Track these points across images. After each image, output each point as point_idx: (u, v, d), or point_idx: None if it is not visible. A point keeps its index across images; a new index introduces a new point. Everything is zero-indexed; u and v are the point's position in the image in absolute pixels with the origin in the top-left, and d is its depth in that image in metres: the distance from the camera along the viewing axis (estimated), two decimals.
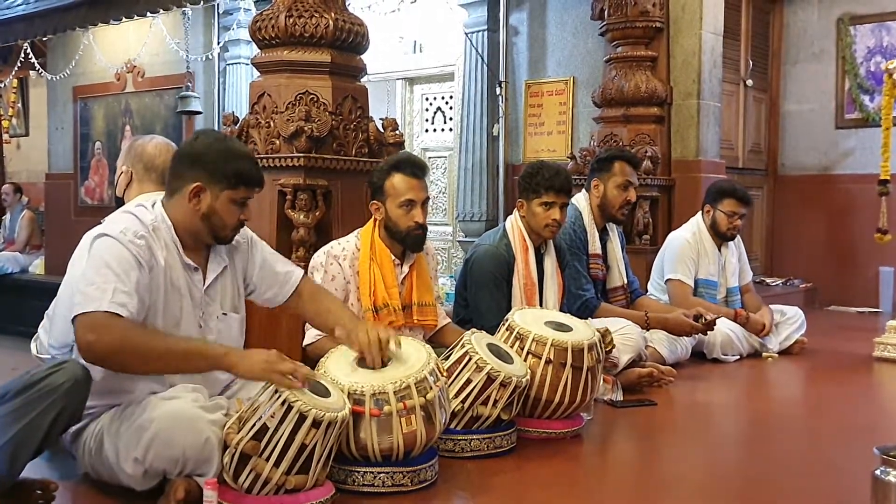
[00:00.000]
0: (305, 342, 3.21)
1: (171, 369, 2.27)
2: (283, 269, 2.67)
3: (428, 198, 3.30)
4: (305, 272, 3.34)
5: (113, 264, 2.21)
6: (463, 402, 2.75)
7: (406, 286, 3.33)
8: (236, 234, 2.47)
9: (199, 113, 8.31)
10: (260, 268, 2.62)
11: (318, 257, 3.30)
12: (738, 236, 5.09)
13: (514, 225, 3.79)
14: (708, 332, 4.33)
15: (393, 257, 3.28)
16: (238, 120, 4.32)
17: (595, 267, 4.27)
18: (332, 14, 4.20)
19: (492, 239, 3.80)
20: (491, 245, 3.74)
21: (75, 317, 2.17)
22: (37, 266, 9.45)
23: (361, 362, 2.51)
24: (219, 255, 2.50)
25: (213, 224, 2.38)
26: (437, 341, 3.38)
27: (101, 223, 2.73)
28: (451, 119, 8.45)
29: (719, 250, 4.89)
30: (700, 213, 4.94)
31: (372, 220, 3.32)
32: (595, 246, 4.29)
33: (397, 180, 3.23)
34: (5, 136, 11.64)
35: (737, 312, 4.75)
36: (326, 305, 2.71)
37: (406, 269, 3.33)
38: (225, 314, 2.51)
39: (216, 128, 8.21)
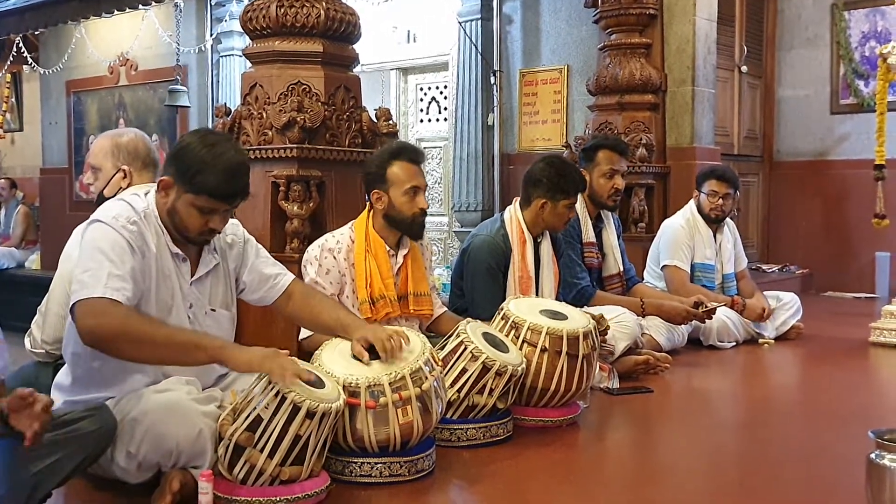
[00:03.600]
0: (301, 336, 3.20)
1: (168, 359, 2.26)
2: (272, 271, 2.64)
3: (426, 184, 3.32)
4: (299, 266, 3.35)
5: (106, 249, 2.20)
6: (459, 391, 2.76)
7: (401, 276, 3.32)
8: (207, 238, 2.41)
9: (187, 107, 8.28)
10: (251, 268, 2.60)
11: (312, 251, 3.29)
12: (733, 223, 5.10)
13: (512, 217, 3.78)
14: (706, 320, 4.33)
15: (387, 248, 3.28)
16: (230, 111, 4.31)
17: (590, 255, 4.27)
18: (324, 3, 4.17)
19: (489, 229, 3.79)
20: (488, 235, 3.74)
21: (74, 304, 2.15)
22: (33, 261, 9.44)
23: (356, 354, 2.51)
24: (211, 252, 2.49)
25: (175, 221, 2.35)
26: (434, 330, 3.38)
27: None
28: (445, 109, 8.43)
29: (714, 235, 4.89)
30: (692, 199, 4.96)
31: (366, 211, 3.31)
32: (588, 235, 4.28)
33: (400, 168, 3.23)
34: None
35: (733, 300, 4.76)
36: (319, 304, 2.69)
37: (401, 259, 3.32)
38: (214, 310, 2.50)
39: (210, 120, 8.19)
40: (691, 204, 4.94)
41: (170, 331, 2.23)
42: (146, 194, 2.41)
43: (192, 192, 2.30)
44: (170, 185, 2.33)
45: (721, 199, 4.82)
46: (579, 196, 4.26)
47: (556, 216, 3.74)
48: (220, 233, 2.43)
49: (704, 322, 4.39)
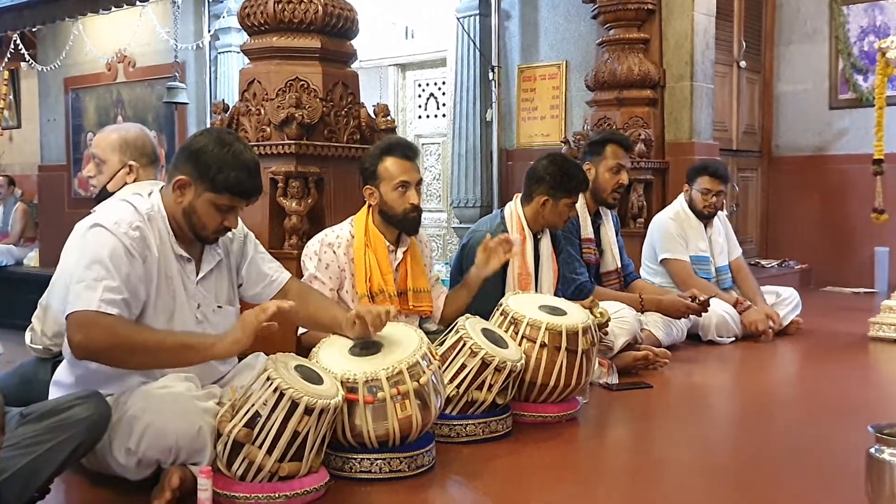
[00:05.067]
0: (300, 332, 3.20)
1: (162, 364, 2.27)
2: (270, 267, 2.65)
3: (421, 179, 3.31)
4: (298, 262, 3.35)
5: (104, 258, 2.20)
6: (458, 387, 2.76)
7: (401, 273, 3.32)
8: (219, 236, 2.43)
9: (185, 104, 8.27)
10: (250, 262, 2.60)
11: (312, 245, 3.29)
12: (723, 214, 5.10)
13: (513, 213, 3.77)
14: (702, 314, 4.33)
15: (387, 243, 3.28)
16: (228, 108, 4.30)
17: (588, 252, 4.26)
18: None
19: (489, 225, 3.79)
20: (488, 231, 3.72)
21: (67, 315, 2.16)
22: (31, 258, 9.42)
23: (353, 350, 2.51)
24: (214, 248, 2.49)
25: (192, 221, 2.36)
26: (447, 318, 3.37)
27: (92, 213, 2.71)
28: (444, 105, 8.42)
29: (704, 229, 4.89)
30: (682, 194, 4.96)
31: (365, 206, 3.31)
32: (587, 230, 4.28)
33: (390, 163, 3.22)
34: None
35: (737, 300, 4.77)
36: (316, 302, 2.69)
37: (400, 255, 3.33)
38: (220, 307, 2.50)
39: (208, 117, 8.18)
40: (681, 198, 4.95)
41: (159, 336, 2.22)
42: (149, 194, 2.41)
43: (213, 190, 2.31)
44: (187, 185, 2.33)
45: (714, 197, 4.82)
46: None
47: (556, 214, 3.74)
48: (231, 230, 2.44)
49: (701, 316, 4.38)
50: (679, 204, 4.93)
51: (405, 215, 3.24)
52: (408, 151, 3.27)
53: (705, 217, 4.87)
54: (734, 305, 4.73)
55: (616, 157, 4.30)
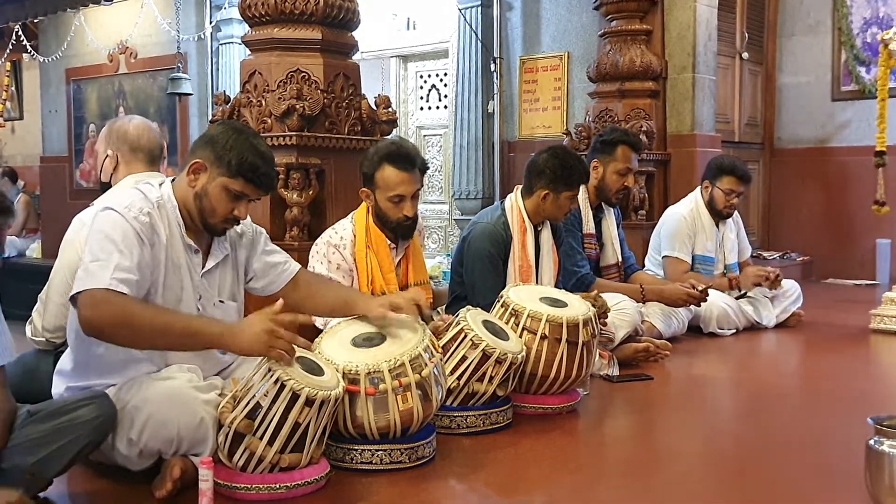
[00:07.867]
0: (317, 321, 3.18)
1: (169, 346, 2.27)
2: (280, 259, 2.65)
3: (420, 188, 3.26)
4: (298, 254, 3.36)
5: (116, 239, 2.21)
6: (459, 378, 2.76)
7: (402, 268, 3.34)
8: (227, 227, 2.43)
9: (189, 94, 8.26)
10: (259, 256, 2.61)
11: (320, 248, 3.29)
12: (737, 212, 5.09)
13: (513, 205, 3.77)
14: (702, 304, 4.32)
15: (388, 242, 3.28)
16: (230, 99, 4.30)
17: (589, 247, 4.26)
18: None
19: (489, 217, 3.78)
20: (489, 223, 3.72)
21: (78, 293, 2.15)
22: (34, 250, 9.44)
23: (356, 341, 2.51)
24: (222, 243, 2.50)
25: (202, 206, 2.36)
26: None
27: (90, 206, 2.72)
28: (445, 96, 8.41)
29: (717, 226, 4.87)
30: (699, 188, 4.91)
31: (364, 204, 3.32)
32: (589, 225, 4.27)
33: (388, 173, 3.17)
34: None
35: (729, 278, 4.77)
36: (325, 291, 2.71)
37: (402, 251, 3.34)
38: (222, 301, 2.51)
39: (209, 108, 8.18)
40: (697, 195, 4.89)
41: (169, 319, 2.22)
42: (160, 184, 2.42)
43: (228, 175, 2.33)
44: (202, 168, 2.35)
45: (736, 198, 4.80)
46: (583, 187, 4.26)
47: (557, 207, 3.73)
48: (239, 223, 2.45)
49: (700, 306, 4.38)
50: (694, 200, 4.87)
51: (398, 223, 3.23)
52: (407, 163, 3.18)
53: (723, 216, 4.85)
54: (729, 285, 4.73)
55: (626, 160, 4.28)
